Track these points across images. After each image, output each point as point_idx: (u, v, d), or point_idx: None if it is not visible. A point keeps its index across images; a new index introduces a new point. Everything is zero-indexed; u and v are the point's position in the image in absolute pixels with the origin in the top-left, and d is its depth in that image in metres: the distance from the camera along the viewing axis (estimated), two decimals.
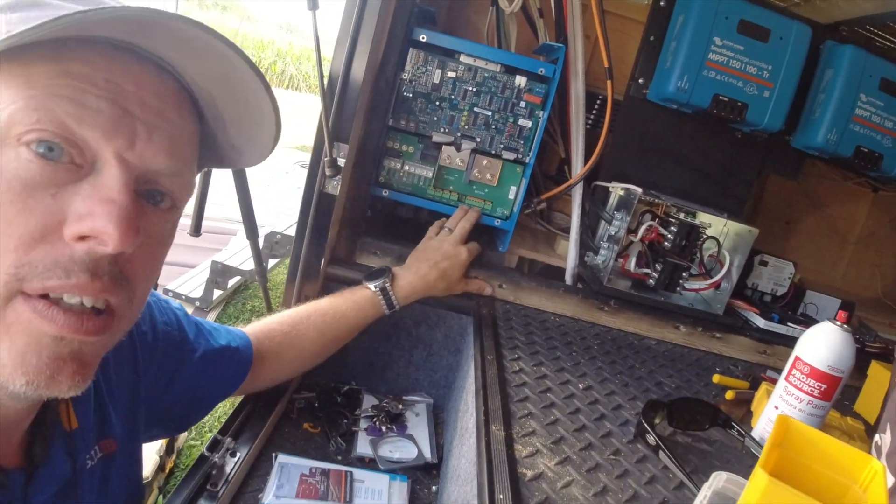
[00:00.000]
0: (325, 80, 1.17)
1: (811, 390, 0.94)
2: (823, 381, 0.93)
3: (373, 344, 1.29)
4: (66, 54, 0.48)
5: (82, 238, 0.48)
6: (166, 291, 3.36)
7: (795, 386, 0.95)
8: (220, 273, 3.43)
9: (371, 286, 1.17)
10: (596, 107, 1.60)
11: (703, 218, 1.38)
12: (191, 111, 0.58)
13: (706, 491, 0.68)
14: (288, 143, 9.56)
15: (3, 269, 0.47)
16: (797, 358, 0.96)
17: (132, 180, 0.51)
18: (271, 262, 3.88)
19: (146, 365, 0.81)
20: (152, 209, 0.56)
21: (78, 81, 0.48)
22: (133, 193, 0.51)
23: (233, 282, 3.64)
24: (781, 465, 0.67)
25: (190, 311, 3.10)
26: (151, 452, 2.21)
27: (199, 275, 3.60)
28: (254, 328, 1.05)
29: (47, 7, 0.49)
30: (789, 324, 1.46)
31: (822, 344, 0.94)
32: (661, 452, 0.85)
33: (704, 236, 1.38)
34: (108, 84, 0.49)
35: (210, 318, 3.36)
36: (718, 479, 0.69)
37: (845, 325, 0.94)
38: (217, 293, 3.50)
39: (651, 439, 0.87)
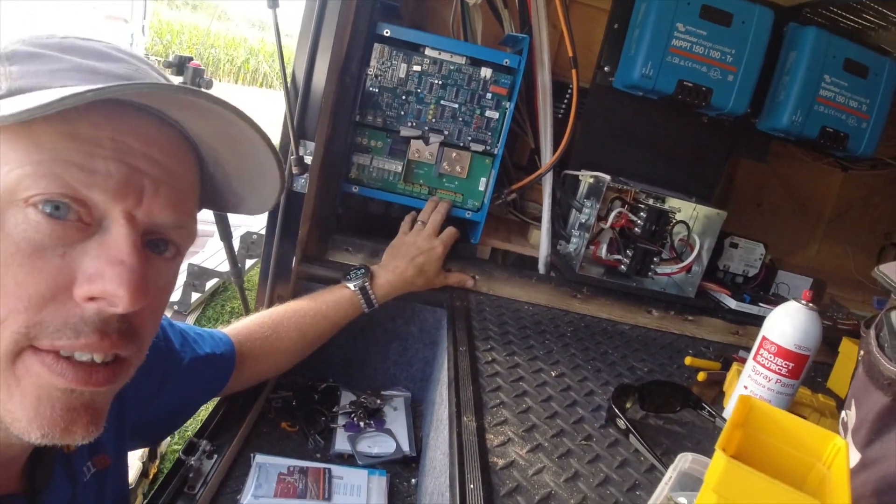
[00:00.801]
0: (290, 78, 1.16)
1: (779, 369, 0.95)
2: (791, 359, 0.95)
3: (349, 340, 1.29)
4: (72, 116, 0.47)
5: (92, 298, 0.48)
6: None
7: (763, 365, 0.97)
8: (196, 276, 3.41)
9: (350, 286, 1.16)
10: (567, 97, 1.60)
11: (672, 203, 1.39)
12: (193, 161, 0.58)
13: (672, 472, 0.69)
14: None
15: (13, 328, 0.47)
16: (764, 338, 0.97)
17: (139, 237, 0.51)
18: (249, 263, 3.85)
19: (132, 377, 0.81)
20: (157, 258, 0.55)
21: (85, 145, 0.48)
22: (141, 250, 0.51)
23: (210, 284, 3.62)
24: (746, 444, 0.68)
25: (168, 314, 3.07)
26: (134, 459, 2.19)
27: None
28: (235, 330, 1.05)
29: (46, 60, 0.50)
30: (761, 304, 1.48)
31: (788, 323, 0.95)
32: (630, 436, 0.86)
33: (674, 221, 1.39)
34: (114, 143, 0.49)
35: (189, 321, 3.34)
36: (684, 460, 0.70)
37: (810, 304, 0.96)
38: (195, 296, 3.48)
39: (621, 423, 0.88)
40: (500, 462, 0.77)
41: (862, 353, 0.75)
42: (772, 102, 1.48)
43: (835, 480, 0.59)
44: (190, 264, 3.44)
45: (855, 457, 0.75)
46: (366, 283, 1.16)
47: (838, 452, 0.63)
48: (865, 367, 0.72)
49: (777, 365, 0.95)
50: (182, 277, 3.43)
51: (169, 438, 2.52)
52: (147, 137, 0.52)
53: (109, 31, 6.26)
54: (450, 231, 1.30)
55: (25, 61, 0.50)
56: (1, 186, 0.46)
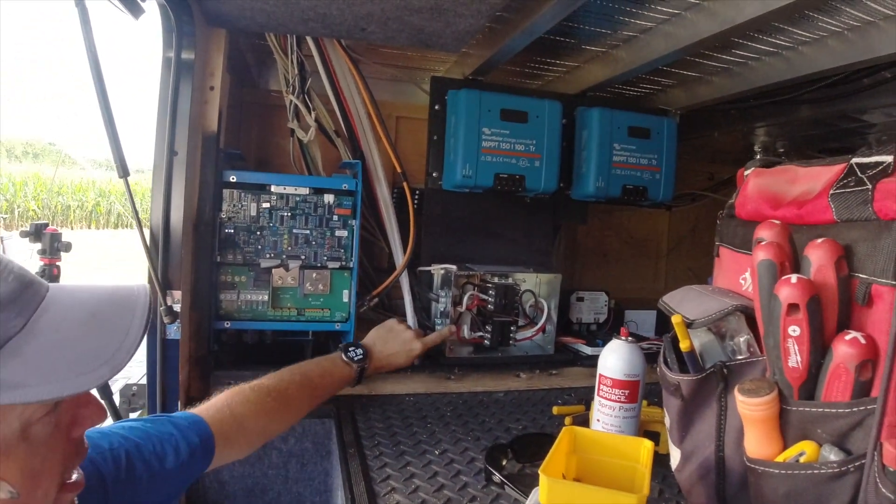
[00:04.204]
0: (148, 236, 1.26)
1: (618, 398, 1.12)
2: (625, 387, 1.12)
3: (247, 469, 1.33)
4: None
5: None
6: None
7: (606, 398, 1.13)
8: None
9: (354, 366, 1.30)
10: (416, 201, 1.79)
11: (516, 276, 1.59)
12: None
13: (532, 497, 0.81)
14: None
15: (56, 481, 0.65)
16: (600, 375, 1.15)
17: None
18: (134, 415, 3.65)
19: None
20: None
21: None
22: None
23: None
24: (581, 466, 0.82)
25: None
26: None
27: None
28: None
29: None
30: None
31: (614, 358, 1.13)
32: (506, 487, 0.98)
33: (521, 291, 1.58)
34: None
35: None
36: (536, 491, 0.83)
37: (629, 338, 1.15)
38: None
39: (496, 478, 1.00)
40: None
41: (657, 369, 0.92)
42: (578, 174, 1.75)
43: (642, 472, 0.74)
44: None
45: (677, 453, 0.91)
46: (365, 366, 1.31)
47: (647, 452, 0.79)
48: (660, 379, 0.90)
49: (615, 395, 1.12)
50: None
51: None
52: None
53: None
54: (439, 332, 1.48)
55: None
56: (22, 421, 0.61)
